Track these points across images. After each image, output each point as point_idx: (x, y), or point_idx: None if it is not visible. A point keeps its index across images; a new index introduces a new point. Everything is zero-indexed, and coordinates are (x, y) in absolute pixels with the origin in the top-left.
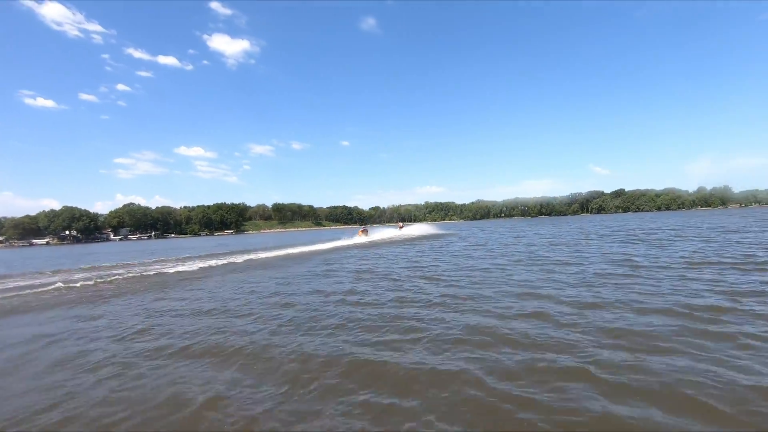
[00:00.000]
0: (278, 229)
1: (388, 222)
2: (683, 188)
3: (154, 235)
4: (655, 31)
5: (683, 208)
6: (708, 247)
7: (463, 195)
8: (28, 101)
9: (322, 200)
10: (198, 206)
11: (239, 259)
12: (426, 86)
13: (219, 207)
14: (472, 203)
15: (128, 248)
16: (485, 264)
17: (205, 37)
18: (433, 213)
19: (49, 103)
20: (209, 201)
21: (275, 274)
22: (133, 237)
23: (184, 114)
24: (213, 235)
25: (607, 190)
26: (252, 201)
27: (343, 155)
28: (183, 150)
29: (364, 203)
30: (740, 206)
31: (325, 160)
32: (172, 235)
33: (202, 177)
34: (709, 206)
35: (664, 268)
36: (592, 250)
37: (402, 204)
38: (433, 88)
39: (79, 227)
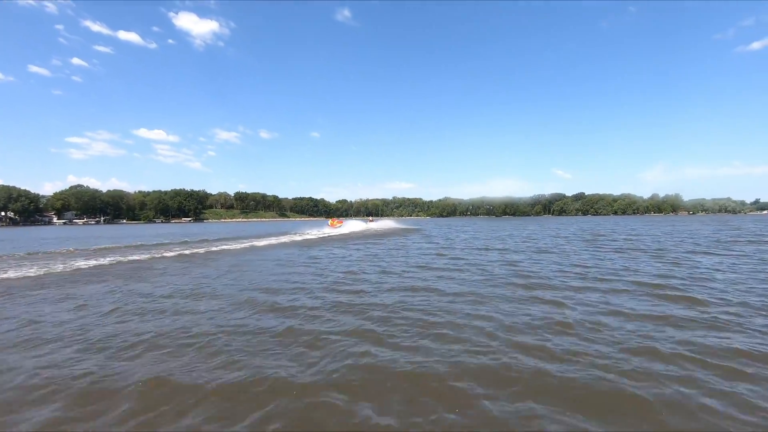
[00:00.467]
0: (240, 219)
1: (356, 215)
2: (638, 194)
3: (104, 220)
4: (617, 42)
5: (637, 213)
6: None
7: (431, 192)
8: None
9: (288, 191)
10: (154, 191)
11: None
12: (399, 81)
13: (177, 193)
14: (440, 200)
15: (65, 233)
16: (452, 286)
17: (171, 14)
18: (401, 208)
19: None
20: (170, 187)
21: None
22: (79, 221)
23: (146, 94)
24: (169, 222)
25: (569, 193)
26: (216, 189)
27: (312, 146)
28: (143, 132)
29: (333, 196)
30: (689, 213)
31: (294, 150)
32: (124, 221)
33: (164, 161)
34: (661, 212)
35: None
36: (589, 261)
37: (370, 198)
38: (405, 83)
39: (17, 208)
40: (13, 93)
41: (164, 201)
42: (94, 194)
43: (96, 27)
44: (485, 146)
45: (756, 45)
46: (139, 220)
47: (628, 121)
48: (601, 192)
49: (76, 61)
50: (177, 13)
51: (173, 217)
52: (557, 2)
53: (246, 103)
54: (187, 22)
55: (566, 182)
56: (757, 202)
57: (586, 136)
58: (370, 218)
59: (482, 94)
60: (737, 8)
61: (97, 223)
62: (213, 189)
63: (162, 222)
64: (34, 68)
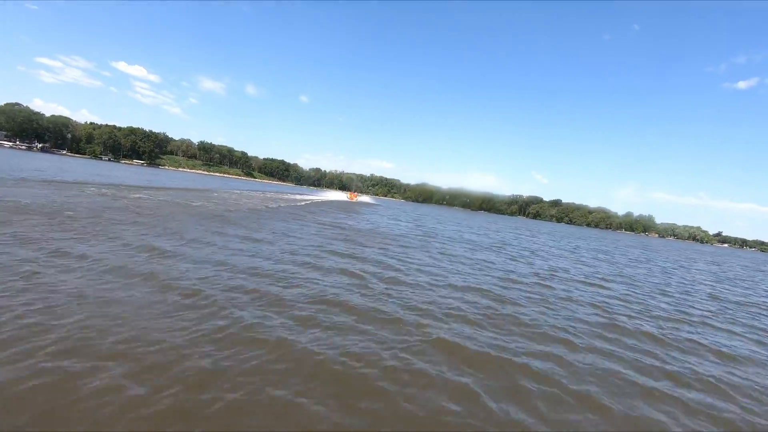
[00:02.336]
0: (201, 171)
1: (328, 187)
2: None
3: (41, 147)
4: (615, 57)
5: (610, 228)
6: None
7: (411, 175)
8: None
9: (267, 152)
10: (105, 125)
11: None
12: (394, 58)
13: (132, 131)
14: (417, 185)
15: None
16: None
17: None
18: (377, 187)
19: None
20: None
21: None
22: (7, 144)
23: (130, 25)
24: (119, 162)
25: (545, 197)
26: (195, 139)
27: (300, 110)
28: (122, 66)
29: (310, 164)
30: (659, 236)
31: (280, 111)
32: (64, 151)
33: (141, 101)
34: (633, 231)
35: None
36: None
37: (346, 171)
38: (399, 64)
39: None
40: None
41: (116, 137)
42: (32, 116)
43: None
44: (469, 139)
45: (742, 84)
46: (84, 153)
47: (609, 137)
48: (576, 201)
49: None
50: None
51: (125, 157)
52: (564, 5)
53: (237, 54)
54: None
55: (543, 186)
56: (719, 234)
57: (569, 145)
58: (355, 194)
59: (474, 88)
60: (733, 44)
61: (29, 149)
62: (193, 138)
63: (110, 160)
64: None
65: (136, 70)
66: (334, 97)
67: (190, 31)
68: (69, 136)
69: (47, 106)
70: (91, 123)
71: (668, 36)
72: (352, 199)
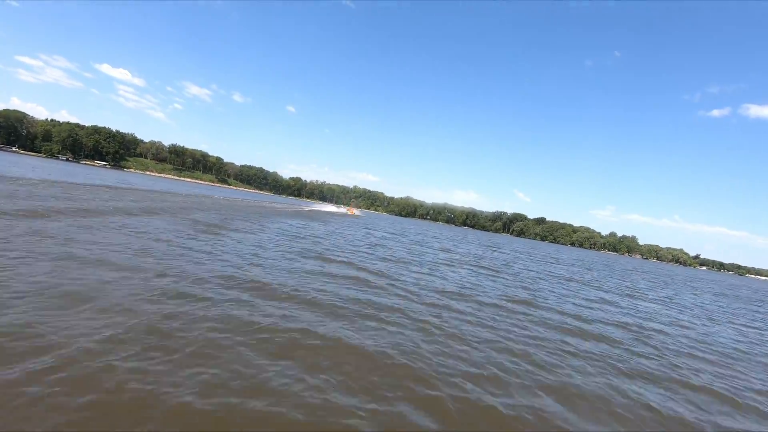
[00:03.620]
0: (171, 176)
1: (308, 197)
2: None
3: None
4: (595, 81)
5: (594, 248)
6: None
7: (395, 190)
8: None
9: (249, 161)
10: (65, 123)
11: None
12: (382, 74)
13: (96, 130)
14: (401, 198)
15: None
16: None
17: None
18: (359, 200)
19: None
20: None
21: None
22: None
23: (116, 28)
24: (78, 162)
25: (528, 216)
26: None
27: (286, 120)
28: (106, 68)
29: (296, 174)
30: (642, 257)
31: (266, 121)
32: (14, 148)
33: (124, 104)
34: (616, 251)
35: None
36: None
37: (327, 182)
38: (389, 77)
39: None
40: None
41: (77, 136)
42: None
43: None
44: (454, 156)
45: (716, 112)
46: (39, 152)
47: (590, 159)
48: (559, 220)
49: None
50: None
51: (87, 157)
52: (546, 31)
53: (224, 62)
54: None
55: (526, 204)
56: (698, 257)
57: (551, 165)
58: (353, 210)
59: (459, 106)
60: (708, 73)
61: None
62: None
63: (68, 160)
64: None
65: (120, 73)
66: (322, 109)
67: (177, 36)
68: (24, 132)
69: (25, 106)
70: (51, 120)
71: (648, 62)
72: (351, 213)
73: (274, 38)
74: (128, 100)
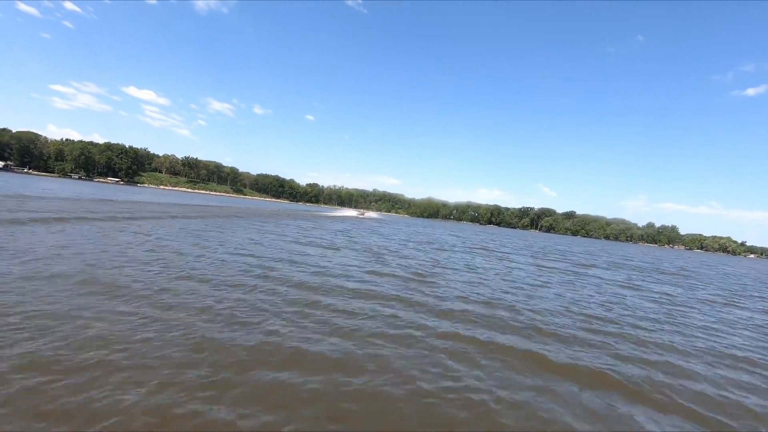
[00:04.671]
0: (185, 188)
1: (326, 203)
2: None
3: (3, 166)
4: (619, 68)
5: (630, 240)
6: None
7: (416, 191)
8: None
9: (271, 171)
10: (77, 141)
11: None
12: (399, 76)
13: (108, 147)
14: (422, 200)
15: None
16: None
17: None
18: (380, 203)
19: None
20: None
21: None
22: None
23: (140, 52)
24: (91, 180)
25: (556, 210)
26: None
27: (306, 129)
28: (132, 90)
29: (318, 182)
30: (685, 248)
31: (287, 131)
32: (26, 169)
33: (151, 124)
34: (655, 243)
35: None
36: None
37: (344, 186)
38: (405, 79)
39: None
40: None
41: (90, 154)
42: None
43: None
44: (475, 153)
45: (751, 91)
46: (53, 172)
47: (617, 149)
48: (587, 213)
49: (69, 5)
50: None
51: (100, 175)
52: (567, 22)
53: (243, 76)
54: None
55: (551, 199)
56: (744, 244)
57: (576, 157)
58: (363, 211)
59: (477, 102)
60: (740, 52)
61: None
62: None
63: (80, 179)
64: (23, 6)
65: (146, 94)
66: (340, 116)
67: (196, 55)
68: (37, 153)
69: (60, 132)
70: (65, 140)
71: (673, 46)
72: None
73: (290, 50)
74: (154, 119)
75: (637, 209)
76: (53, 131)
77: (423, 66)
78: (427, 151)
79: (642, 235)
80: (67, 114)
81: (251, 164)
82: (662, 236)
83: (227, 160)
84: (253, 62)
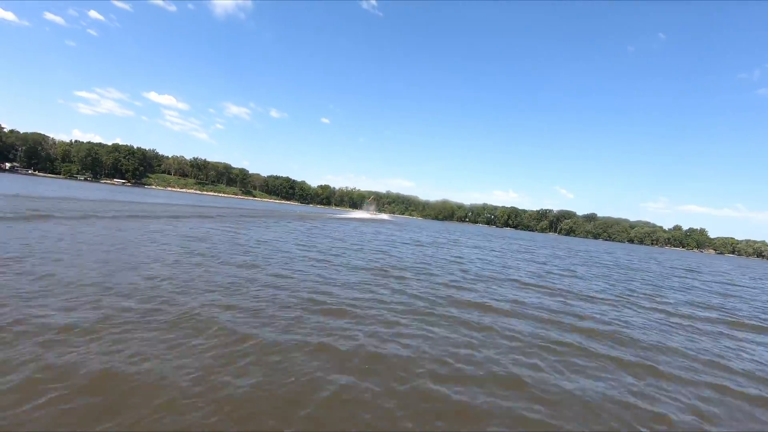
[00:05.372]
0: (193, 190)
1: (338, 205)
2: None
3: (9, 167)
4: (640, 67)
5: (656, 244)
6: None
7: (431, 193)
8: None
9: (291, 173)
10: (85, 142)
11: None
12: (413, 79)
13: (116, 148)
14: (437, 202)
15: None
16: None
17: None
18: (393, 205)
19: (9, 16)
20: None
21: None
22: None
23: (160, 58)
24: (98, 181)
25: (575, 213)
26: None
27: (321, 132)
28: (153, 96)
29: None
30: (715, 252)
31: (303, 134)
32: (30, 171)
33: (171, 128)
34: (683, 247)
35: None
36: None
37: (356, 188)
38: (419, 81)
39: None
40: (26, 38)
41: (97, 155)
42: None
43: None
44: (491, 155)
45: None
46: (59, 173)
47: (637, 150)
48: (608, 215)
49: (93, 14)
50: None
51: (107, 176)
52: (586, 20)
53: (259, 80)
54: None
55: (568, 201)
56: None
57: (595, 159)
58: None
59: (493, 102)
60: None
61: None
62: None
63: (86, 180)
64: (49, 15)
65: (166, 99)
66: (355, 119)
67: (215, 59)
68: (44, 154)
69: (85, 136)
70: (76, 141)
71: (696, 43)
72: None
73: (306, 53)
74: (174, 123)
75: (658, 212)
76: (79, 136)
77: (438, 67)
78: (441, 154)
79: (669, 239)
80: (91, 119)
81: (267, 167)
82: (690, 240)
83: (244, 164)
84: (269, 66)
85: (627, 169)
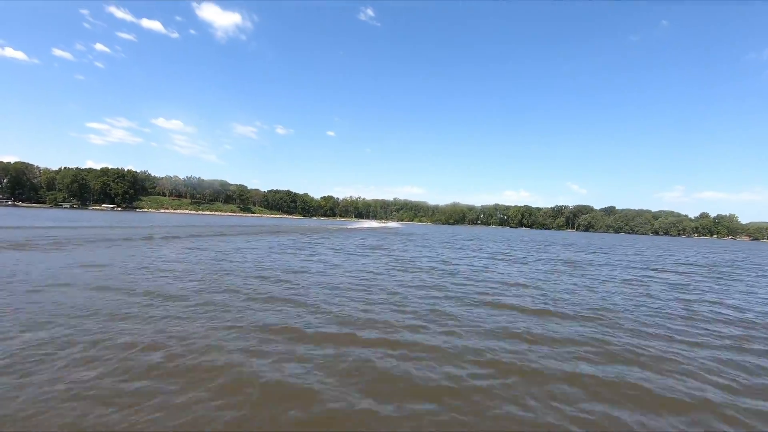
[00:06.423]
0: (187, 211)
1: (342, 216)
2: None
3: None
4: (644, 57)
5: (683, 234)
6: None
7: (441, 198)
8: None
9: (301, 189)
10: (68, 168)
11: None
12: (416, 86)
13: (104, 172)
14: (447, 206)
15: None
16: None
17: (194, 4)
18: (401, 212)
19: (20, 55)
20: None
21: None
22: None
23: (165, 84)
24: (85, 208)
25: (593, 207)
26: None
27: (328, 145)
28: (161, 122)
29: (342, 196)
30: (750, 239)
31: (310, 148)
32: (10, 202)
33: (180, 152)
34: (712, 235)
35: None
36: None
37: (360, 197)
38: (422, 88)
39: None
40: (37, 75)
41: (84, 180)
42: None
43: (120, 13)
44: (499, 156)
45: None
46: (44, 202)
47: (648, 138)
48: (625, 208)
49: (99, 46)
50: (200, 3)
51: (96, 202)
52: (586, 13)
53: (263, 99)
54: (210, 13)
55: (581, 197)
56: None
57: (606, 152)
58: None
59: (497, 104)
60: None
61: None
62: (230, 182)
63: (72, 207)
64: (58, 52)
65: (174, 124)
66: (361, 131)
67: (219, 82)
68: (28, 184)
69: (97, 167)
70: (65, 167)
71: (701, 27)
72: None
73: (308, 69)
74: (183, 147)
75: (675, 201)
76: (91, 166)
77: (439, 72)
78: (450, 159)
79: (696, 227)
80: (103, 149)
81: (278, 185)
82: (720, 227)
83: (254, 182)
84: (272, 84)
85: (639, 160)
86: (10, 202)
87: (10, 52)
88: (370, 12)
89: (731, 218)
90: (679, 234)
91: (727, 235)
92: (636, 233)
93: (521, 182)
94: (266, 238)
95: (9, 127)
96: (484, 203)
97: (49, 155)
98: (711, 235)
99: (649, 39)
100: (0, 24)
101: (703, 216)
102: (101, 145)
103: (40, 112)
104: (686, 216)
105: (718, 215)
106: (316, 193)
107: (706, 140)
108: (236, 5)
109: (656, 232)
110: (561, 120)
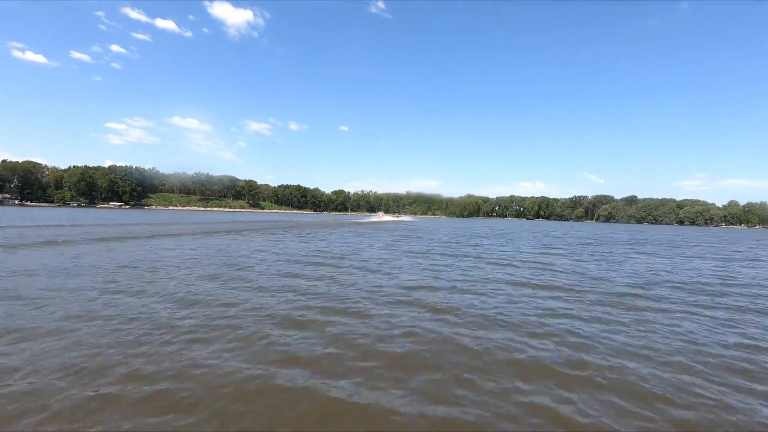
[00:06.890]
0: (196, 207)
1: (354, 210)
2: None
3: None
4: (664, 42)
5: (711, 223)
6: None
7: (455, 191)
8: (17, 54)
9: (315, 184)
10: (75, 167)
11: None
12: (429, 78)
13: (112, 170)
14: (461, 198)
15: None
16: None
17: (206, 3)
18: (414, 205)
19: (40, 59)
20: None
21: None
22: None
23: (180, 83)
24: (94, 206)
25: (613, 197)
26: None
27: (341, 140)
28: (177, 120)
29: (358, 190)
30: None
31: (323, 143)
32: (18, 201)
33: (197, 150)
34: (741, 224)
35: None
36: None
37: (372, 191)
38: (435, 80)
39: None
40: (57, 78)
41: (91, 179)
42: None
43: (135, 14)
44: (515, 146)
45: None
46: (52, 201)
47: (667, 126)
48: (645, 197)
49: (115, 47)
50: (212, 1)
51: (103, 200)
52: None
53: (277, 95)
54: (223, 11)
55: (599, 187)
56: None
57: (620, 139)
58: (380, 214)
59: (513, 94)
60: None
61: None
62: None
63: (80, 205)
64: (76, 54)
65: (190, 123)
66: (374, 125)
67: (233, 79)
68: (35, 183)
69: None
70: (73, 166)
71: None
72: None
73: (320, 64)
74: (200, 145)
75: (696, 189)
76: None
77: (453, 64)
78: (465, 151)
79: (725, 216)
80: (122, 149)
81: (289, 179)
82: (752, 215)
83: (268, 179)
84: (285, 81)
85: (658, 148)
86: (17, 202)
87: (30, 55)
88: (380, 4)
89: (763, 206)
90: (706, 223)
91: (758, 224)
92: (660, 223)
93: (537, 173)
94: (257, 238)
95: (36, 130)
96: (499, 195)
97: (71, 156)
98: (740, 224)
99: (667, 23)
100: (19, 27)
101: (732, 204)
102: (120, 144)
103: (62, 115)
104: (713, 204)
105: (748, 203)
106: (329, 188)
107: (729, 126)
108: (248, 2)
109: (681, 222)
110: (576, 109)
